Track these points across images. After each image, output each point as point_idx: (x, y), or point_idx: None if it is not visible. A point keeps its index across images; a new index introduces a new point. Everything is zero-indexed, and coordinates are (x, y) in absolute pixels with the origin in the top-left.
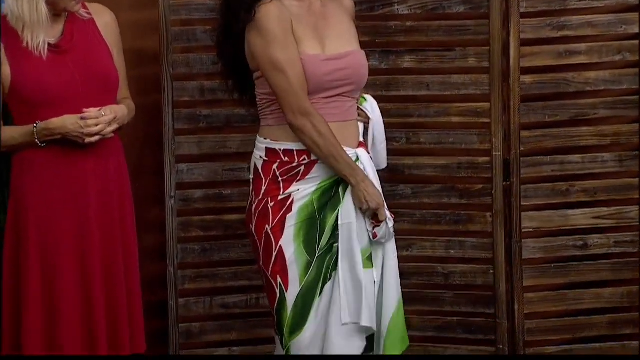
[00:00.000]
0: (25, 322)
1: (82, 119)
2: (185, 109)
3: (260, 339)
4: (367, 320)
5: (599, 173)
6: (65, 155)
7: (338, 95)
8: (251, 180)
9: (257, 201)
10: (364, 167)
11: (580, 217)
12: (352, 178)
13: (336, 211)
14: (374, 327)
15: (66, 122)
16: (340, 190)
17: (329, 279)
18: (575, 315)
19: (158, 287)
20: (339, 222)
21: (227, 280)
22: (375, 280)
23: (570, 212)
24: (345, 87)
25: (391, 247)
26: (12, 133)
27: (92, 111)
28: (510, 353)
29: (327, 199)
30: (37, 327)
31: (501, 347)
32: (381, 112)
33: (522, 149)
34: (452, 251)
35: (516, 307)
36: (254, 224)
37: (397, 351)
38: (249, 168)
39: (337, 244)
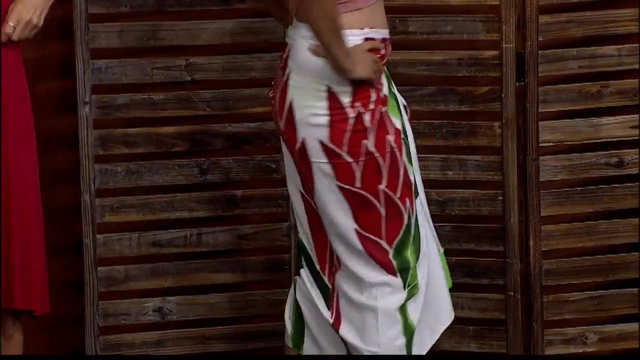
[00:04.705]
0: None
1: None
2: None
3: (203, 286)
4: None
5: None
6: None
7: None
8: (350, 91)
9: (369, 112)
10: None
11: (614, 127)
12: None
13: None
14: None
15: None
16: (394, 89)
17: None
18: (607, 252)
19: (70, 219)
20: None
21: (159, 212)
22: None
23: (602, 120)
24: None
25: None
26: None
27: None
28: (524, 300)
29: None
30: None
31: (512, 294)
32: None
33: (540, 39)
34: (450, 172)
35: (531, 243)
36: (372, 141)
37: (450, 284)
38: (188, 64)
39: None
